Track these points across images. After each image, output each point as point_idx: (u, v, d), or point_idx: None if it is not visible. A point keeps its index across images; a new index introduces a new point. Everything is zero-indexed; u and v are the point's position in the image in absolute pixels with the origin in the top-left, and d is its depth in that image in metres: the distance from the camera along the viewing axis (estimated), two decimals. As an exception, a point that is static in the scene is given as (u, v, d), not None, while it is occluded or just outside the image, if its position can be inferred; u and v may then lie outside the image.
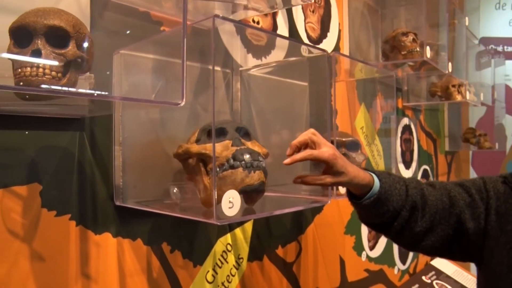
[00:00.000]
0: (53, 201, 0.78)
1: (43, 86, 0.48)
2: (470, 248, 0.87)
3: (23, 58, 0.49)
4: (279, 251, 1.29)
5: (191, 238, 1.02)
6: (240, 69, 1.13)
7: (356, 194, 0.84)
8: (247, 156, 0.71)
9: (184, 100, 0.65)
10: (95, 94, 0.56)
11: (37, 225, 0.75)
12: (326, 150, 0.78)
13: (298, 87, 1.33)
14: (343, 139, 1.10)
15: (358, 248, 1.74)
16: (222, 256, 1.10)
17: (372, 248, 1.85)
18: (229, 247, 1.12)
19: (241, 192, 0.69)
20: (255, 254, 1.20)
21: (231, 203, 0.64)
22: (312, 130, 0.81)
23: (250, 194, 0.72)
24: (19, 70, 0.51)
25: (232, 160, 0.71)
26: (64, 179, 0.80)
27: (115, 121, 0.86)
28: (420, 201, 0.85)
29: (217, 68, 1.08)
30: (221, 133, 0.78)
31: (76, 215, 0.81)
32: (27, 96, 0.55)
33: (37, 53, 0.52)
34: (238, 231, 1.15)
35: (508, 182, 0.87)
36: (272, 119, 1.23)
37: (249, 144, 0.78)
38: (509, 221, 0.83)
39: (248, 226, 1.18)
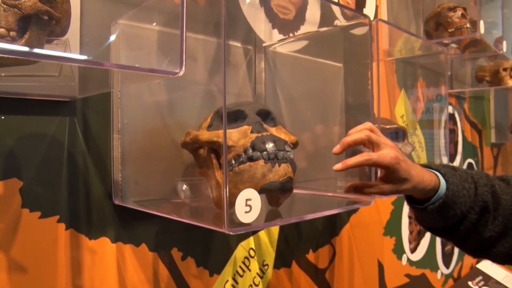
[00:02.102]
0: (37, 200, 0.64)
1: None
2: None
3: None
4: (310, 256, 1.13)
5: (206, 243, 0.87)
6: (264, 44, 0.96)
7: (417, 197, 0.68)
8: (270, 145, 0.55)
9: (183, 69, 0.50)
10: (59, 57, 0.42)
11: (16, 229, 0.62)
12: (387, 152, 0.62)
13: (331, 68, 1.16)
14: (387, 127, 0.93)
15: (398, 250, 1.55)
16: (243, 263, 0.95)
17: (413, 250, 1.66)
18: (252, 253, 0.97)
19: (263, 190, 0.54)
20: (282, 260, 1.04)
21: (248, 206, 0.48)
22: (369, 124, 0.64)
23: (274, 194, 0.57)
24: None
25: (250, 150, 0.55)
26: (51, 174, 0.66)
27: (113, 104, 0.72)
28: (492, 201, 0.69)
29: (237, 44, 0.93)
30: (239, 116, 0.62)
31: (66, 217, 0.67)
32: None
33: (-21, 3, 0.38)
34: (262, 234, 0.99)
35: None
36: (302, 105, 1.06)
37: (273, 131, 0.62)
38: None
39: (275, 228, 1.03)
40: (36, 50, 0.39)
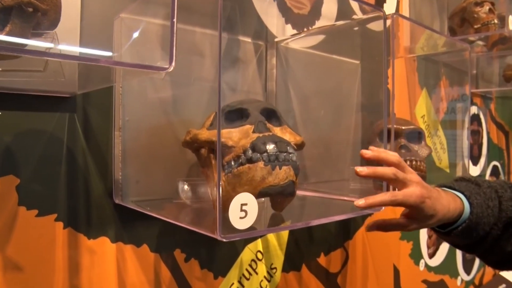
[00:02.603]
0: (34, 197, 0.63)
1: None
2: None
3: None
4: (321, 259, 1.09)
5: (211, 244, 0.84)
6: (276, 39, 0.93)
7: None
8: (270, 146, 0.52)
9: (173, 64, 0.47)
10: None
11: (12, 227, 0.61)
12: (412, 191, 0.59)
13: (348, 65, 1.11)
14: (402, 127, 0.88)
15: (416, 255, 1.50)
16: (250, 265, 0.92)
17: (431, 255, 1.60)
18: (259, 255, 0.94)
19: (262, 194, 0.50)
20: (291, 264, 1.01)
21: (243, 211, 0.45)
22: (396, 158, 0.60)
23: (277, 198, 0.53)
24: None
25: (250, 151, 0.52)
26: (49, 171, 0.64)
27: (115, 100, 0.70)
28: None
29: (247, 40, 0.89)
30: (241, 115, 0.59)
31: (64, 215, 0.66)
32: None
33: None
34: (271, 236, 0.96)
35: None
36: (315, 103, 1.02)
37: (277, 131, 0.59)
38: None
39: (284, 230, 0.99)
40: (14, 42, 0.37)
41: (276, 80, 0.95)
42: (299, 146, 0.61)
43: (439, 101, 1.63)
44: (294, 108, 0.98)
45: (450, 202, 0.64)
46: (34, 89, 0.61)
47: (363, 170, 0.58)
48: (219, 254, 0.85)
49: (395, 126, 0.88)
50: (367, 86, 1.08)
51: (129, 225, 0.73)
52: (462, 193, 0.66)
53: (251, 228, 0.47)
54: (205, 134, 0.58)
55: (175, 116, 0.76)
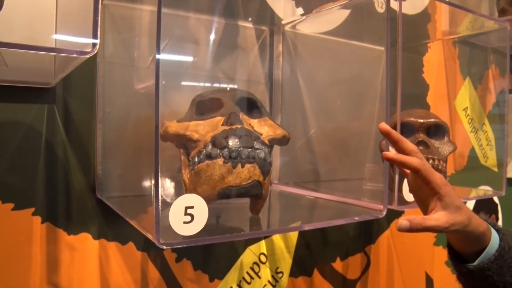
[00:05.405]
0: (10, 190, 0.61)
1: None
2: None
3: None
4: (337, 264, 1.01)
5: (206, 245, 0.79)
6: (283, 22, 0.85)
7: (460, 250, 0.57)
8: (232, 141, 0.46)
9: (96, 47, 0.42)
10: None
11: (-14, 221, 0.60)
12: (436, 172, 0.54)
13: (370, 53, 1.01)
14: (420, 121, 0.77)
15: (454, 263, 1.36)
16: (252, 269, 0.86)
17: (474, 263, 1.45)
18: (263, 258, 0.87)
19: (221, 196, 0.44)
20: (301, 268, 0.94)
21: (188, 215, 0.39)
22: (415, 147, 0.54)
23: (252, 201, 0.47)
24: None
25: (210, 146, 0.46)
26: (26, 164, 0.62)
27: (97, 91, 0.67)
28: None
29: (248, 25, 0.83)
30: (215, 106, 0.53)
31: (42, 210, 0.64)
32: None
33: None
34: (277, 238, 0.90)
35: None
36: (330, 95, 0.94)
37: (254, 123, 0.52)
38: None
39: (293, 232, 0.92)
40: None
41: (282, 69, 0.88)
42: (280, 141, 0.54)
43: (486, 92, 1.46)
44: (304, 99, 0.90)
45: (473, 213, 0.55)
46: (7, 79, 0.59)
47: (389, 153, 0.54)
48: (215, 255, 0.80)
49: (412, 119, 0.77)
50: (394, 76, 0.98)
51: (113, 222, 0.69)
52: (485, 221, 0.57)
53: (201, 233, 0.41)
54: (173, 126, 0.53)
55: (165, 107, 0.71)
